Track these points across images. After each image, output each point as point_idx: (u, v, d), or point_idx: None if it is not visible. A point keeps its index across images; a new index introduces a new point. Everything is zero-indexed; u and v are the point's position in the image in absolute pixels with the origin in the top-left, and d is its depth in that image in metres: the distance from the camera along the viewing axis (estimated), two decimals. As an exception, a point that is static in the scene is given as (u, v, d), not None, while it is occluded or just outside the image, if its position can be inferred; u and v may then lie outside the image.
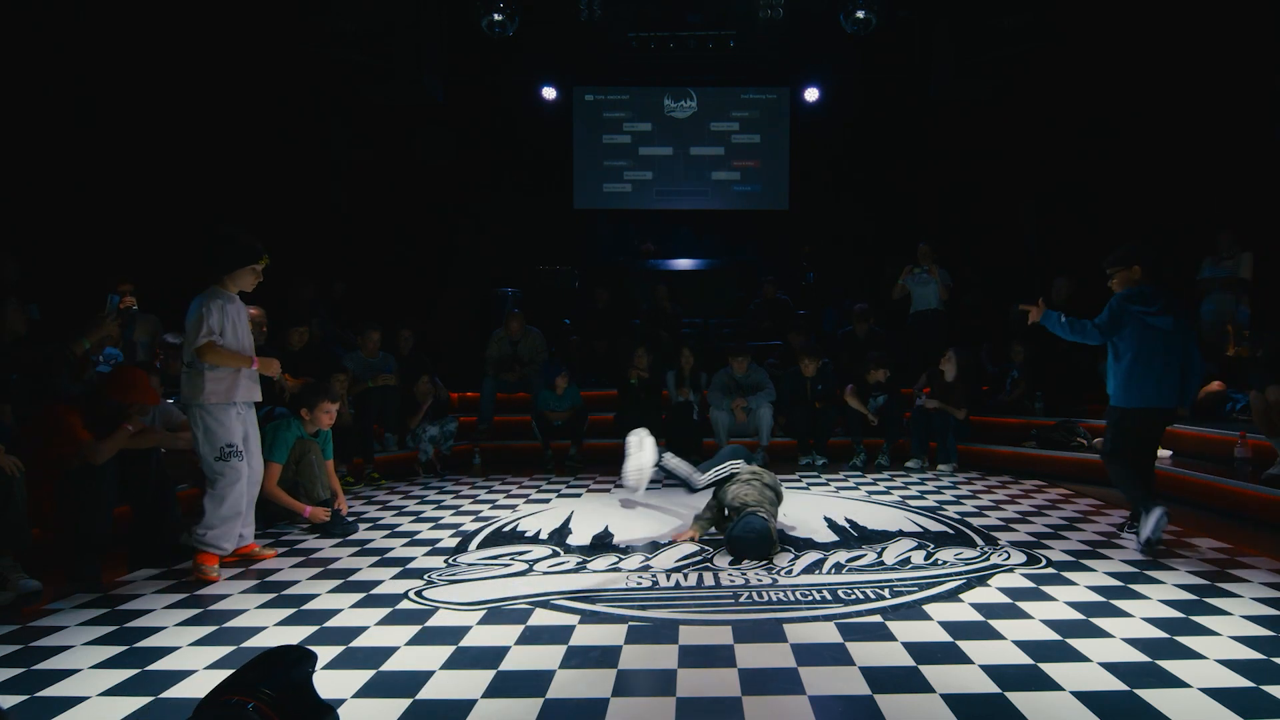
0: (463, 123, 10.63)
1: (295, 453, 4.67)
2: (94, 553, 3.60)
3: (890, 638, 2.80)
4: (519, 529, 4.62)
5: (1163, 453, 5.83)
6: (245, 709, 1.76)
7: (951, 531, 4.40)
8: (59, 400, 3.93)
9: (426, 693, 2.41)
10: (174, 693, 2.44)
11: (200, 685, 2.44)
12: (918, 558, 3.82)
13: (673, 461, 4.38)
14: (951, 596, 3.25)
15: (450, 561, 3.91)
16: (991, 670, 2.50)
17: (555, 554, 3.99)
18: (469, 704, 2.33)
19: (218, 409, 3.76)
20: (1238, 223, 7.16)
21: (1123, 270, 4.20)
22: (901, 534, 4.32)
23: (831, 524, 4.62)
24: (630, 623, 2.99)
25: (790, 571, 3.62)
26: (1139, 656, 2.60)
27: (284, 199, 8.63)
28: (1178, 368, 4.05)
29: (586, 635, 2.87)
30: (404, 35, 9.03)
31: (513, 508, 5.30)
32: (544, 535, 4.43)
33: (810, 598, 3.24)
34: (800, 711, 2.26)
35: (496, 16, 8.98)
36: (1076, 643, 2.72)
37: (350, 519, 4.75)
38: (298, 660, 1.92)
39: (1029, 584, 3.41)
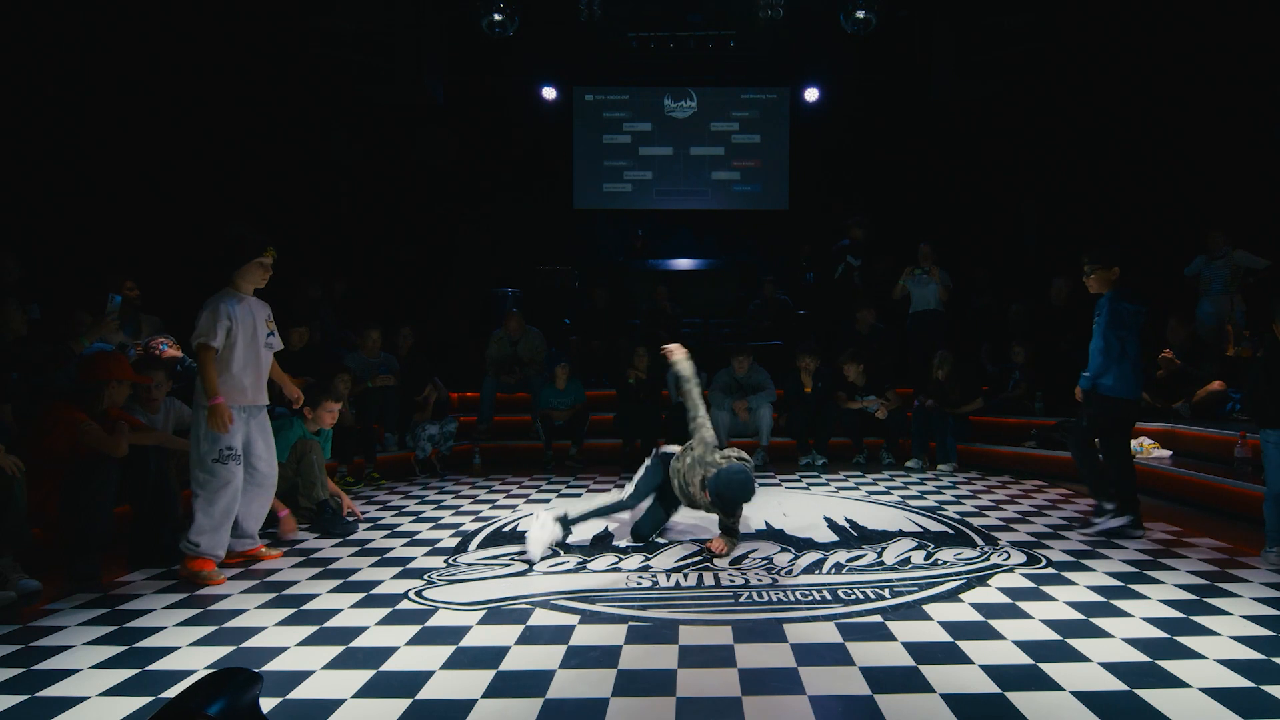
0: (463, 123, 10.63)
1: (296, 452, 4.67)
2: (94, 553, 3.60)
3: (890, 638, 2.80)
4: (519, 529, 4.62)
5: (1162, 453, 5.83)
6: None
7: (951, 531, 4.40)
8: (60, 399, 3.93)
9: (426, 693, 2.41)
10: (174, 693, 2.43)
11: (200, 685, 2.44)
12: (918, 558, 3.82)
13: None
14: (951, 596, 3.25)
15: (450, 561, 3.91)
16: (991, 670, 2.50)
17: (555, 554, 3.98)
18: (469, 704, 2.33)
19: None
20: (1237, 222, 7.16)
21: (1102, 270, 4.37)
22: (901, 534, 4.32)
23: (831, 524, 4.62)
24: (630, 623, 2.99)
25: (790, 571, 3.62)
26: (1139, 656, 2.60)
27: (285, 199, 8.64)
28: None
29: (586, 635, 2.87)
30: (404, 35, 9.05)
31: (513, 508, 5.30)
32: (544, 535, 4.42)
33: (810, 598, 3.24)
34: (800, 711, 2.26)
35: (496, 16, 8.99)
36: (1076, 643, 2.72)
37: (350, 519, 4.75)
38: (244, 683, 1.80)
39: (1029, 584, 3.41)
